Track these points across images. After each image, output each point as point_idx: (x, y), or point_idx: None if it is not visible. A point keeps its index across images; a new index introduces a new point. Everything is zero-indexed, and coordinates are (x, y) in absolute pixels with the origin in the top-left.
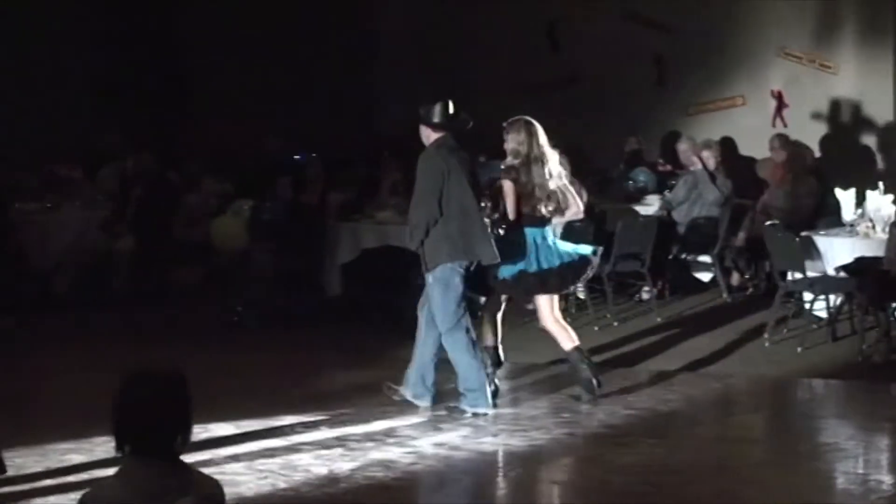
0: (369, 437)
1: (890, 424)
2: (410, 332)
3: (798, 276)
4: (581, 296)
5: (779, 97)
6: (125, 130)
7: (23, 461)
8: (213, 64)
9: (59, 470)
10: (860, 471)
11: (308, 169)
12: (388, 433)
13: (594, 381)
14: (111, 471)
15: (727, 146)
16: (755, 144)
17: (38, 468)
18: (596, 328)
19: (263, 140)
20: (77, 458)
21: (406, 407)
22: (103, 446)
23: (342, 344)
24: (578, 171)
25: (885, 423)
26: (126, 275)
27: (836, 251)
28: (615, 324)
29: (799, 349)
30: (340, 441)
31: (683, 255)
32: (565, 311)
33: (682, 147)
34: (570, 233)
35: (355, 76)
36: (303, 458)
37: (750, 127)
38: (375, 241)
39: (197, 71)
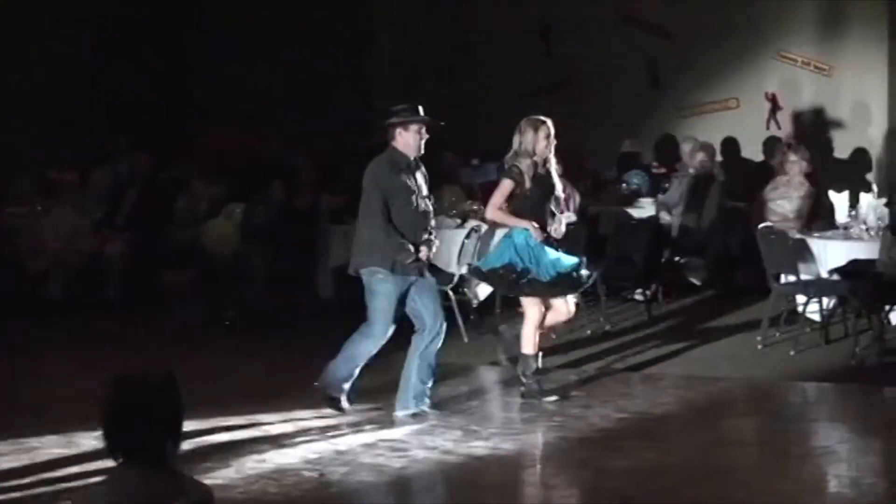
0: (361, 441)
1: (883, 428)
2: (402, 336)
3: (791, 278)
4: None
5: (773, 100)
6: (123, 134)
7: (9, 462)
8: (209, 66)
9: (48, 478)
10: (853, 474)
11: (301, 171)
12: (380, 437)
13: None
14: (100, 476)
15: (727, 148)
16: (749, 147)
17: (29, 475)
18: (588, 331)
19: (260, 143)
20: (67, 462)
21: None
22: (93, 449)
23: (335, 347)
24: (572, 174)
25: (878, 426)
26: (118, 278)
27: (829, 254)
28: (608, 327)
29: (792, 352)
30: (332, 445)
31: (677, 258)
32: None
33: (686, 148)
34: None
35: (350, 78)
36: (294, 464)
37: (744, 129)
38: None
39: (193, 74)
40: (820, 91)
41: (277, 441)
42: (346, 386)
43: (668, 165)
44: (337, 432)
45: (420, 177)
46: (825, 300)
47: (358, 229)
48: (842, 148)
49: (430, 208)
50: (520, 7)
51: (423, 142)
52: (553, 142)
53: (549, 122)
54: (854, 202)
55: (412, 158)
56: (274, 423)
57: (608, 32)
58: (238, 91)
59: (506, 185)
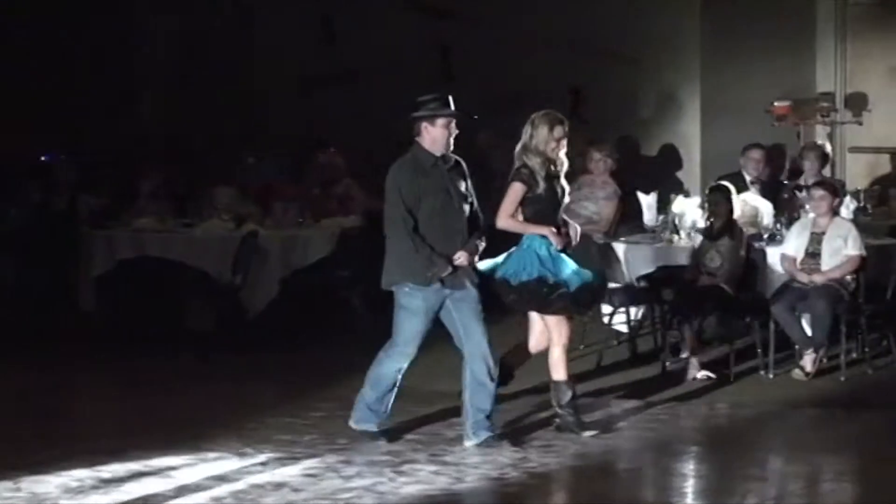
0: (127, 469)
1: (694, 447)
2: (170, 351)
3: None
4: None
5: (575, 93)
6: None
7: None
8: None
9: None
10: (663, 499)
11: (58, 171)
12: (147, 464)
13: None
14: None
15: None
16: None
17: None
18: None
19: (16, 142)
20: None
21: (167, 437)
22: None
23: (96, 365)
24: (359, 172)
25: (689, 445)
26: None
27: (637, 259)
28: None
29: (598, 366)
30: (94, 473)
31: None
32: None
33: (482, 145)
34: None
35: (114, 73)
36: (52, 493)
37: None
38: (132, 251)
39: None
40: (627, 84)
41: (33, 468)
42: (381, 411)
43: (466, 162)
44: (100, 458)
45: (455, 175)
46: (632, 310)
47: (386, 242)
48: (650, 145)
49: (470, 209)
50: None
51: (452, 137)
52: (564, 144)
53: (564, 123)
54: (664, 204)
55: (440, 156)
56: (30, 449)
57: (397, 19)
58: None
59: (516, 190)
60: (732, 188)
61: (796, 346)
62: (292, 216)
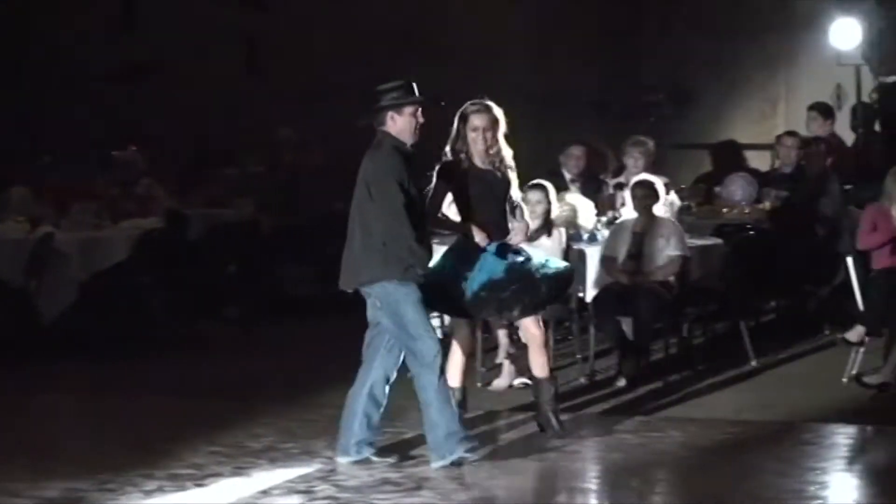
0: None
1: (512, 459)
2: None
3: None
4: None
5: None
6: None
7: None
8: None
9: None
10: None
11: None
12: None
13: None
14: None
15: (335, 139)
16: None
17: None
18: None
19: None
20: None
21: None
22: None
23: None
24: (157, 170)
25: (506, 459)
26: None
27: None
28: None
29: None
30: None
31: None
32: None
33: (283, 134)
34: None
35: None
36: None
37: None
38: None
39: None
40: (448, 77)
41: None
42: (462, 431)
43: (267, 160)
44: None
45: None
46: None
47: (365, 236)
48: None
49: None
50: None
51: (419, 126)
52: (486, 134)
53: (485, 111)
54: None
55: (409, 147)
56: None
57: (201, 8)
58: None
59: (438, 188)
60: (550, 186)
61: (616, 351)
62: (90, 217)
